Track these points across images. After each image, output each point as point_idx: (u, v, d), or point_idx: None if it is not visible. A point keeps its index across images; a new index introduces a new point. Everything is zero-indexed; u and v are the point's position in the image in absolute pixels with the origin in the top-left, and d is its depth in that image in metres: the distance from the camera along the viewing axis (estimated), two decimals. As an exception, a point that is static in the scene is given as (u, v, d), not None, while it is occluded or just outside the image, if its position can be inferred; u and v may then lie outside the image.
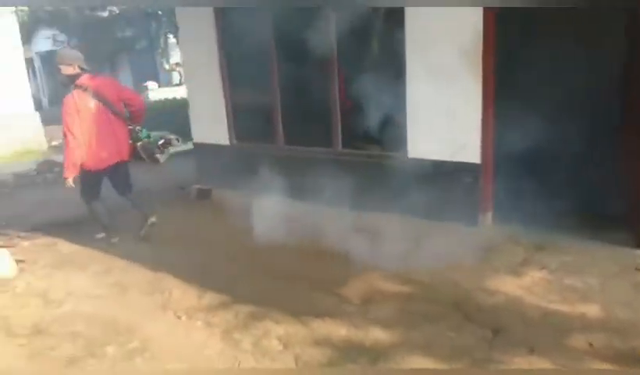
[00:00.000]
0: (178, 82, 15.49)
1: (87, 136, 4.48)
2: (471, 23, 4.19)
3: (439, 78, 4.46)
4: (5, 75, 11.64)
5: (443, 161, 4.59)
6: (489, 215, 4.63)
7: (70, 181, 4.53)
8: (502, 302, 3.30)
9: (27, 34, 16.72)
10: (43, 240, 5.15)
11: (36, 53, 22.10)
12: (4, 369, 3.05)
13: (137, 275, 4.17)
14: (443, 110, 4.51)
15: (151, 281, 4.04)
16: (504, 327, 3.00)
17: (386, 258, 3.90)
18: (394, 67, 4.73)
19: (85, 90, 4.49)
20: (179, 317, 3.47)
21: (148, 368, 2.95)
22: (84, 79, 4.55)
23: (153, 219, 4.91)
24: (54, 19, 17.83)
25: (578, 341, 2.83)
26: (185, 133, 8.88)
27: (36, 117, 12.62)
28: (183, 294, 3.79)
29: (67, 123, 4.42)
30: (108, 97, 4.59)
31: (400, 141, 4.85)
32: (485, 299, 3.35)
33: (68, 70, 4.50)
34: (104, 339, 3.25)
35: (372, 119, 4.89)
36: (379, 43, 5.09)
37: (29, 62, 16.49)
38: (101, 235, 4.98)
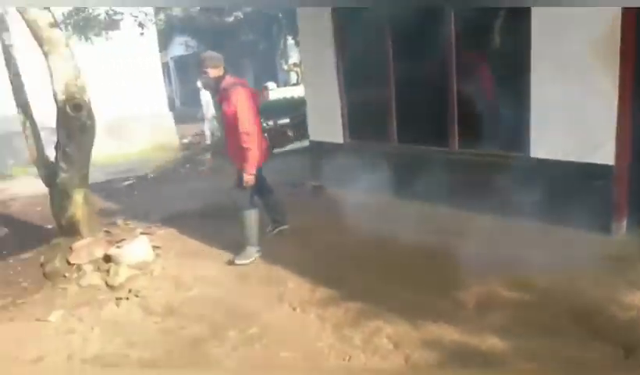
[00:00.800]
0: (295, 81, 16.05)
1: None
2: (607, 17, 3.85)
3: (568, 74, 4.15)
4: (145, 78, 12.99)
5: (571, 162, 4.27)
6: (624, 222, 4.21)
7: (253, 178, 4.38)
8: (636, 319, 3.00)
9: (164, 41, 18.45)
10: (176, 229, 5.64)
11: (170, 58, 24.28)
12: (142, 342, 3.42)
13: (256, 266, 4.43)
14: (573, 108, 4.19)
15: (269, 273, 4.27)
16: (639, 347, 2.73)
17: (505, 263, 3.73)
18: (518, 62, 4.49)
19: (245, 86, 4.47)
20: (294, 309, 3.63)
21: (265, 354, 3.14)
22: (234, 78, 4.50)
23: (286, 227, 5.03)
24: (186, 26, 19.50)
25: None
26: (301, 131, 9.21)
27: (170, 117, 13.90)
28: (297, 287, 3.96)
29: (250, 120, 4.27)
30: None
31: (522, 140, 4.59)
32: (616, 314, 3.06)
33: (215, 72, 4.39)
34: (226, 323, 3.51)
35: (492, 116, 4.69)
36: (502, 38, 4.85)
37: (164, 66, 18.15)
38: (256, 249, 4.58)
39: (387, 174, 5.34)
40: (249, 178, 4.35)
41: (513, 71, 4.56)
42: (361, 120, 6.32)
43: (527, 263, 3.71)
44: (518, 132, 4.60)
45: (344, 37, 6.22)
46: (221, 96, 4.45)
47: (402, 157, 5.72)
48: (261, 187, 4.75)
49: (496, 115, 4.80)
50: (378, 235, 4.57)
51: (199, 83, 11.09)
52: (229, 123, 4.39)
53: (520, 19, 4.37)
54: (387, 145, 5.91)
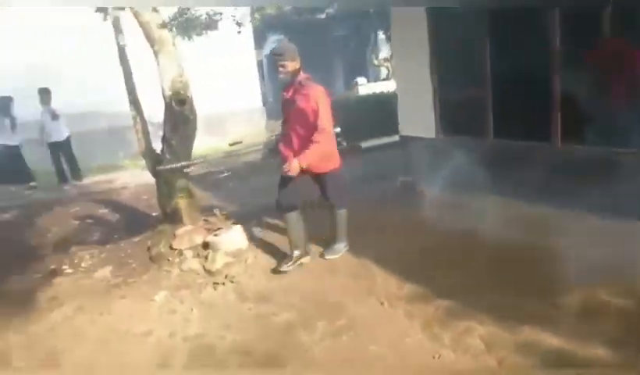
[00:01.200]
0: (385, 76, 15.94)
1: None
2: None
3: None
4: (241, 75, 13.58)
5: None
6: None
7: (298, 169, 4.11)
8: None
9: (259, 40, 19.12)
10: (266, 220, 5.84)
11: (265, 55, 25.11)
12: (236, 326, 3.60)
13: (345, 260, 4.48)
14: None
15: (357, 267, 4.30)
16: None
17: (610, 268, 3.46)
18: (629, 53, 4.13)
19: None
20: (382, 303, 3.63)
21: (353, 346, 3.17)
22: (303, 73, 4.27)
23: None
24: (279, 24, 20.04)
25: None
26: (390, 126, 9.15)
27: (263, 112, 14.43)
28: (385, 282, 3.95)
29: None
30: None
31: (637, 136, 4.22)
32: None
33: (294, 65, 4.16)
34: (315, 313, 3.59)
35: (600, 110, 4.36)
36: (610, 29, 4.49)
37: (259, 64, 18.81)
38: (344, 245, 4.63)
39: (481, 170, 5.15)
40: (294, 167, 4.07)
41: (624, 62, 4.19)
42: (454, 115, 6.14)
43: (635, 269, 3.42)
44: (632, 127, 4.23)
45: (438, 30, 6.07)
46: (294, 90, 4.20)
47: (498, 153, 5.48)
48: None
49: (604, 108, 4.45)
50: (471, 233, 4.43)
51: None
52: (300, 118, 4.17)
53: (633, 8, 4.01)
54: (482, 140, 5.69)
